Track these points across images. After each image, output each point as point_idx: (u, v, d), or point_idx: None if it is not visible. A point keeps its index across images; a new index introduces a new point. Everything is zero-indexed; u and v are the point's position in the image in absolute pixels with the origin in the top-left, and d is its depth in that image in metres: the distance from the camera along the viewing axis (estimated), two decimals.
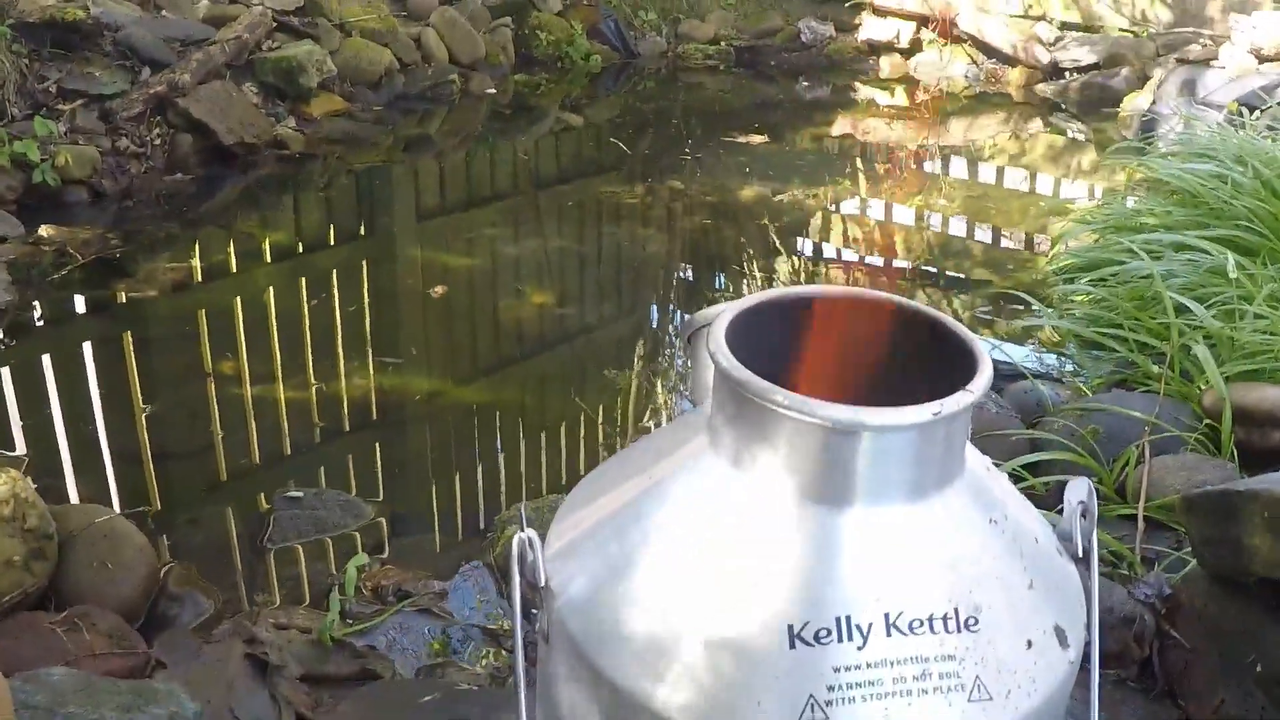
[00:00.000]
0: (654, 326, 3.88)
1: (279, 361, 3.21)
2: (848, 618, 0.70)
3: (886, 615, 0.71)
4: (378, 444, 2.91)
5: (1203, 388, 2.59)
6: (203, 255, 3.88)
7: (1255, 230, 3.12)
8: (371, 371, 3.21)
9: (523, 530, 0.81)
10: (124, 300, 3.49)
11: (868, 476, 0.72)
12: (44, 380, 3.04)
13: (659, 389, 3.33)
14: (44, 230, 3.75)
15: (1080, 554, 0.85)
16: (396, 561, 2.40)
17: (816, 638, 0.70)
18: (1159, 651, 1.97)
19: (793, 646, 0.70)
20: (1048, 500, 2.47)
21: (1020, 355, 3.29)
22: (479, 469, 2.87)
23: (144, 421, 2.84)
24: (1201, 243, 3.08)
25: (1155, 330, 2.86)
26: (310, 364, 3.21)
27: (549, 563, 0.82)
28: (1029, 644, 0.74)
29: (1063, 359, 3.30)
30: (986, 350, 0.76)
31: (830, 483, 0.72)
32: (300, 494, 2.52)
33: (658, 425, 3.17)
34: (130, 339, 3.25)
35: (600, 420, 3.13)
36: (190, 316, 3.44)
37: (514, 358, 3.54)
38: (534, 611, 0.85)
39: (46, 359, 3.16)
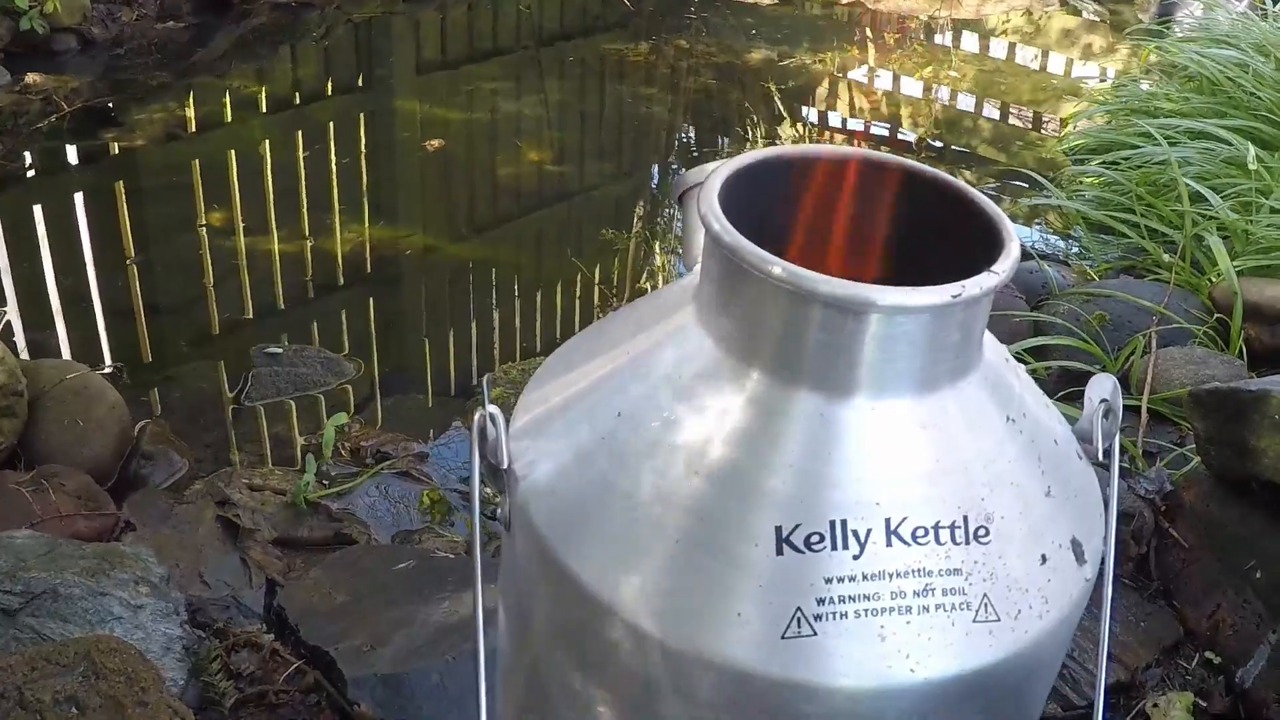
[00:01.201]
0: (654, 187, 3.79)
1: (270, 214, 3.14)
2: (843, 522, 0.63)
3: (888, 521, 0.63)
4: (363, 301, 2.85)
5: (1214, 280, 2.51)
6: (195, 105, 3.76)
7: (1276, 123, 3.01)
8: (366, 226, 3.13)
9: (484, 406, 0.73)
10: (113, 151, 3.39)
11: (874, 364, 0.64)
12: (29, 230, 2.96)
13: (657, 250, 3.25)
14: (31, 78, 3.63)
15: (1100, 457, 0.77)
16: (377, 422, 2.34)
17: (807, 543, 0.62)
18: (1156, 550, 1.92)
19: (780, 552, 0.62)
20: (1049, 386, 2.40)
21: (1026, 234, 3.21)
22: (468, 328, 2.82)
23: (128, 274, 2.76)
24: (1220, 131, 2.96)
25: (1168, 218, 2.77)
26: (304, 217, 3.14)
27: (514, 441, 0.75)
28: (1043, 559, 0.66)
29: (1069, 241, 3.21)
30: (1013, 228, 0.67)
31: (831, 369, 0.64)
32: (280, 350, 2.45)
33: (655, 287, 3.10)
34: (117, 190, 3.17)
35: (596, 280, 3.06)
36: (180, 167, 3.34)
37: (510, 215, 3.47)
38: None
39: (30, 209, 3.07)
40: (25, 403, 1.92)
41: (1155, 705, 1.70)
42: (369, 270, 2.96)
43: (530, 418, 0.76)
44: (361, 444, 2.21)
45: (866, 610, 0.62)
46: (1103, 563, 0.74)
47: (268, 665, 1.64)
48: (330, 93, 4.09)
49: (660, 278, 3.15)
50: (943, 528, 0.63)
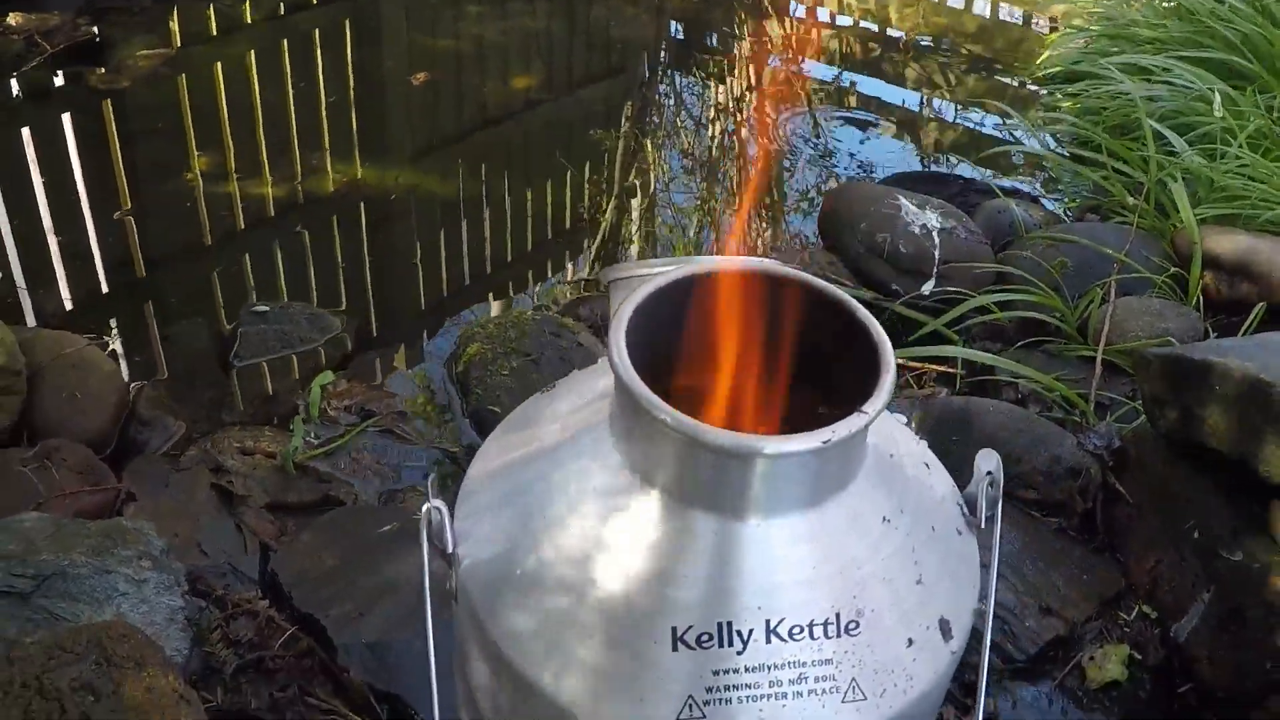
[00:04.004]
0: (641, 89, 3.84)
1: (263, 155, 3.20)
2: (729, 624, 0.73)
3: (767, 622, 0.73)
4: (347, 250, 2.91)
5: (1177, 226, 2.58)
6: (179, 38, 3.77)
7: (1250, 57, 3.04)
8: (357, 164, 3.20)
9: (430, 500, 0.83)
10: (96, 89, 3.41)
11: (762, 494, 0.73)
12: (14, 181, 3.00)
13: (648, 146, 3.31)
14: (12, 19, 3.63)
15: (984, 524, 0.86)
16: (362, 378, 2.42)
17: (698, 641, 0.73)
18: (1102, 505, 2.01)
19: (675, 649, 0.73)
20: (1009, 333, 2.49)
21: (996, 168, 3.27)
22: (456, 274, 2.91)
23: (114, 228, 2.82)
24: (1192, 68, 3.00)
25: (1134, 161, 2.82)
26: (296, 158, 3.21)
27: (459, 521, 0.85)
28: (910, 642, 0.76)
29: (1040, 175, 3.27)
30: (893, 356, 0.75)
31: (724, 498, 0.74)
32: (267, 308, 2.52)
33: (642, 186, 3.18)
34: (101, 134, 3.20)
35: (584, 214, 3.15)
36: (165, 108, 3.38)
37: (497, 144, 3.52)
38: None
39: (14, 157, 3.10)
40: (24, 379, 1.99)
41: (1092, 658, 1.80)
42: (354, 215, 3.03)
43: (472, 502, 0.86)
44: (347, 401, 2.29)
45: (748, 697, 0.73)
46: (978, 639, 0.84)
47: (264, 632, 1.74)
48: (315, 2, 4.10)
49: (652, 175, 3.24)
50: (816, 625, 0.74)
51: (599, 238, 3.07)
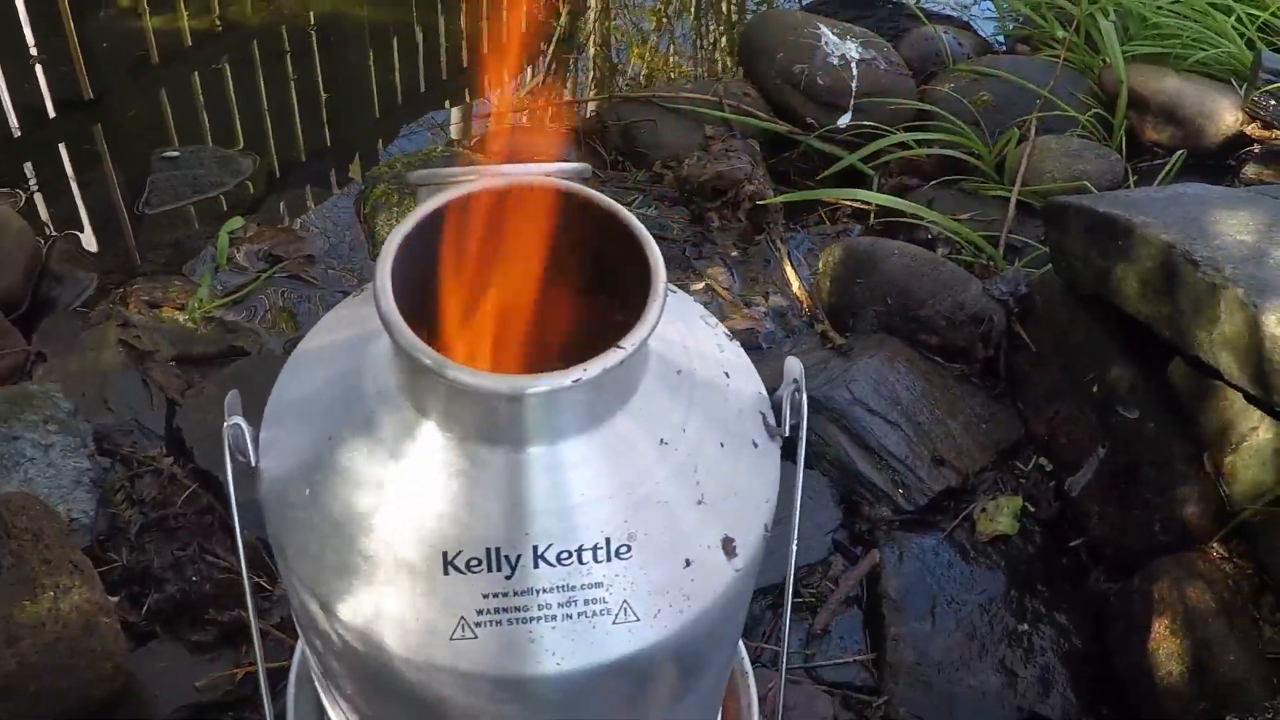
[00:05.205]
0: None
1: None
2: (497, 549, 0.75)
3: (535, 548, 0.75)
4: (257, 85, 2.84)
5: (1106, 62, 2.54)
6: None
7: None
8: None
9: (228, 418, 0.84)
10: None
11: (525, 424, 0.74)
12: None
13: None
14: None
15: (788, 432, 0.87)
16: (271, 221, 2.39)
17: (468, 566, 0.75)
18: (1006, 352, 2.02)
19: (446, 573, 0.75)
20: (927, 170, 2.47)
21: None
22: (411, 84, 2.89)
23: (28, 72, 2.75)
24: None
25: None
26: None
27: (264, 430, 0.86)
28: (687, 563, 0.78)
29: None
30: (663, 283, 0.75)
31: (488, 429, 0.75)
32: (178, 153, 2.49)
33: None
34: None
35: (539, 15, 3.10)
36: None
37: None
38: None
39: None
40: None
41: (983, 510, 1.84)
42: (268, 47, 2.96)
43: (274, 410, 0.87)
44: (256, 247, 2.27)
45: (517, 619, 0.75)
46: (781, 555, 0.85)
47: (167, 490, 1.77)
48: None
49: None
50: (585, 550, 0.75)
51: (553, 41, 3.03)
